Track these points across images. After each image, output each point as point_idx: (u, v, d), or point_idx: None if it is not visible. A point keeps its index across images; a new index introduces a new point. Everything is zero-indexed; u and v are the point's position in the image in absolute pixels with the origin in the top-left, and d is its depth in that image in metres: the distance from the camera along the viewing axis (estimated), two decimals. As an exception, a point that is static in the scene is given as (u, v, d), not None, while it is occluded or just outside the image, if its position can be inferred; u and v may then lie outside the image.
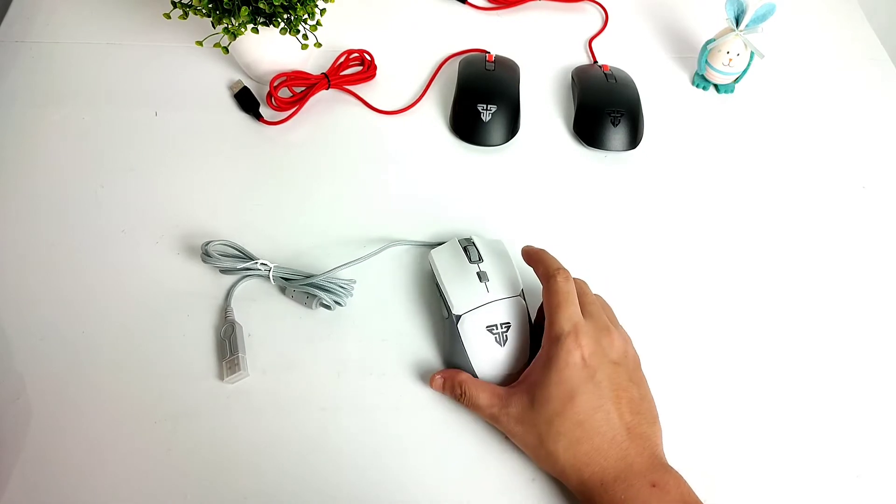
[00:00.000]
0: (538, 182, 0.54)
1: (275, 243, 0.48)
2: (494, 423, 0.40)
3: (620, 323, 0.43)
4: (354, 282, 0.46)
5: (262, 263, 0.45)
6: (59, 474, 0.39)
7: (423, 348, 0.45)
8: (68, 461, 0.40)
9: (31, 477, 0.39)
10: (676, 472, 0.37)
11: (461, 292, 0.43)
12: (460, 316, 0.42)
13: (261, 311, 0.46)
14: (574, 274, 0.41)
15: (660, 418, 0.39)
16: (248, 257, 0.46)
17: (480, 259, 0.44)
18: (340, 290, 0.44)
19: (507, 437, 0.41)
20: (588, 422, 0.36)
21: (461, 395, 0.41)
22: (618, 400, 0.37)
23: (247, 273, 0.46)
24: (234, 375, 0.42)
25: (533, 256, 0.43)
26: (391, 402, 0.43)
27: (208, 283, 0.47)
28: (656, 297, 0.48)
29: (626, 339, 0.41)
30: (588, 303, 0.40)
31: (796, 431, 0.43)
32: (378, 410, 0.42)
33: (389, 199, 0.52)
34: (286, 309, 0.46)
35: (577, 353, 0.37)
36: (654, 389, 0.40)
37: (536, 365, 0.39)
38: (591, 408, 0.36)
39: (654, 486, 0.35)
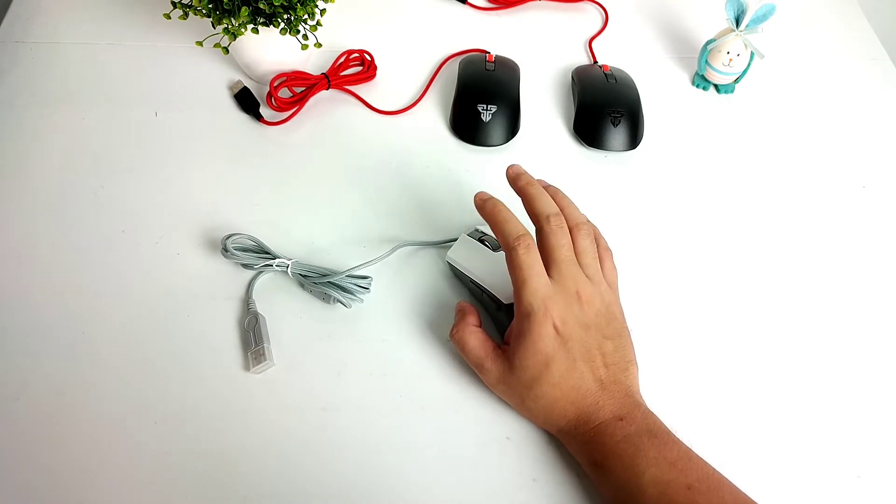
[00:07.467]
0: (538, 182, 0.54)
1: (274, 242, 0.48)
2: (478, 372, 0.42)
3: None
4: (371, 279, 0.46)
5: (280, 261, 0.46)
6: (59, 474, 0.39)
7: (423, 348, 0.45)
8: (68, 461, 0.40)
9: (31, 477, 0.39)
10: (646, 407, 0.39)
11: (502, 281, 0.42)
12: (511, 305, 0.41)
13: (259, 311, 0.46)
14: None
15: (636, 357, 0.41)
16: (270, 254, 0.46)
17: (499, 245, 0.44)
18: (360, 288, 0.45)
19: (506, 438, 0.41)
20: (564, 383, 0.39)
21: (455, 329, 0.43)
22: (591, 359, 0.39)
23: (263, 270, 0.46)
24: (260, 365, 0.42)
25: (488, 215, 0.42)
26: (391, 402, 0.43)
27: (208, 283, 0.47)
28: (657, 298, 0.48)
29: (600, 292, 0.40)
30: (560, 260, 0.39)
31: (796, 431, 0.43)
32: (378, 410, 0.42)
33: (389, 199, 0.52)
34: (285, 310, 0.46)
35: (548, 325, 0.38)
36: (655, 395, 0.40)
37: (512, 335, 0.40)
38: (565, 370, 0.38)
39: (621, 419, 0.38)
